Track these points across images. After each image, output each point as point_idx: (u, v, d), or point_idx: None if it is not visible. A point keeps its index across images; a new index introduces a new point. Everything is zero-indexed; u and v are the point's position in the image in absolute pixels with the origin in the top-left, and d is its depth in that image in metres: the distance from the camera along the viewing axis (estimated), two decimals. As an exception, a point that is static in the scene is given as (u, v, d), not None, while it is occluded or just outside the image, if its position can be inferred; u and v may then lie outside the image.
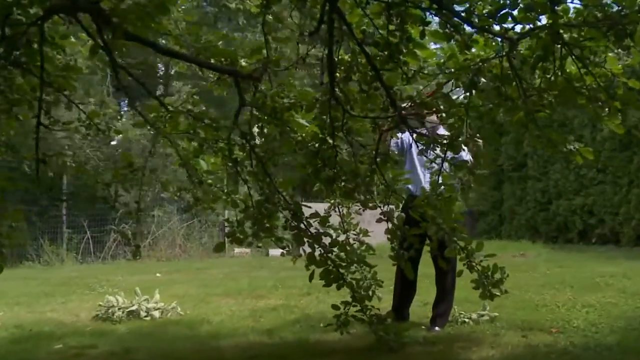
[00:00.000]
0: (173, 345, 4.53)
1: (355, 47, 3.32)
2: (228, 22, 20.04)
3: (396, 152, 4.83)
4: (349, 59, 3.47)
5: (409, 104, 3.68)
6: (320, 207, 4.28)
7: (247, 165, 3.87)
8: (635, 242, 10.42)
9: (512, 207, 12.91)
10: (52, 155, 3.57)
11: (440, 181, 3.62)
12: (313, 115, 3.68)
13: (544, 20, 3.07)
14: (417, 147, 3.72)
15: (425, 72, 3.58)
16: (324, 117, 3.63)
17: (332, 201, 4.35)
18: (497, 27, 3.17)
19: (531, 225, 12.44)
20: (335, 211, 4.32)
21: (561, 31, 3.05)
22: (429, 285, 5.10)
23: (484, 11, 3.03)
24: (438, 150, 3.55)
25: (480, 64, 3.40)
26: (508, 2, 2.94)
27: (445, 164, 3.58)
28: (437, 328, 4.69)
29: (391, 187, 3.89)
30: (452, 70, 3.55)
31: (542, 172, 12.16)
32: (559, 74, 3.29)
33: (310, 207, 3.95)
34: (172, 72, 18.65)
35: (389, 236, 3.88)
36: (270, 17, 3.47)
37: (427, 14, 3.13)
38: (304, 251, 3.86)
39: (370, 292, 4.05)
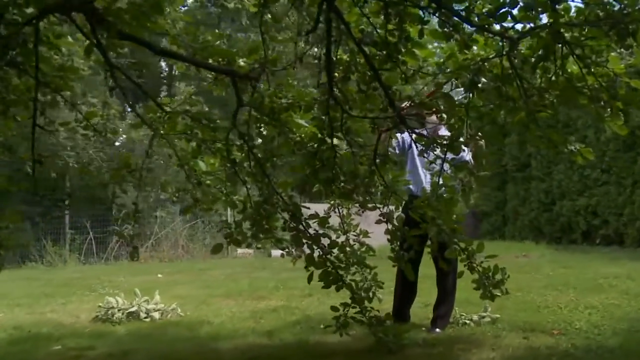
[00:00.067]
0: (172, 347, 4.51)
1: (354, 47, 3.29)
2: (231, 22, 20.05)
3: (398, 152, 4.80)
4: (348, 59, 3.44)
5: (408, 103, 3.65)
6: (322, 208, 4.25)
7: (246, 166, 3.84)
8: (639, 242, 10.36)
9: (516, 207, 12.86)
10: (48, 156, 3.55)
11: (440, 182, 3.58)
12: (312, 116, 3.65)
13: (545, 19, 3.04)
14: (417, 147, 3.69)
15: (425, 71, 3.54)
16: (323, 117, 3.60)
17: (332, 202, 4.32)
18: (497, 27, 3.14)
19: (535, 226, 12.39)
20: (335, 212, 4.30)
21: (562, 30, 3.02)
22: (430, 287, 5.06)
23: (484, 10, 3.00)
24: (438, 151, 3.52)
25: (481, 63, 3.37)
26: (507, 0, 2.91)
27: (446, 165, 3.55)
28: (437, 329, 4.66)
29: (390, 188, 3.85)
30: (452, 70, 3.52)
31: (546, 173, 12.11)
32: (560, 73, 3.26)
33: (309, 208, 3.92)
34: (176, 73, 18.68)
35: (389, 237, 3.85)
36: (268, 16, 3.44)
37: (426, 13, 3.10)
38: (304, 252, 3.84)
39: (370, 294, 4.02)
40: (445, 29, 3.09)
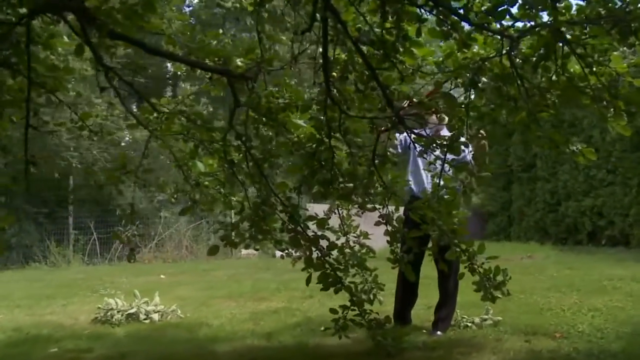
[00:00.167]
0: (170, 349, 4.48)
1: (351, 46, 3.24)
2: (236, 22, 20.04)
3: (400, 152, 4.75)
4: (345, 58, 3.40)
5: (407, 103, 3.60)
6: (324, 209, 4.21)
7: (244, 167, 3.81)
8: (645, 244, 10.28)
9: (521, 208, 12.78)
10: (48, 157, 3.53)
11: (441, 184, 3.53)
12: (309, 116, 3.61)
13: (546, 17, 2.99)
14: (416, 148, 3.64)
15: (424, 71, 3.50)
16: (321, 117, 3.56)
17: (332, 203, 4.27)
18: (497, 25, 3.09)
19: (540, 227, 12.30)
20: (336, 213, 4.25)
21: (563, 29, 2.96)
22: (432, 289, 5.01)
23: (482, 8, 2.95)
24: (438, 152, 3.46)
25: (481, 62, 3.32)
26: (506, -2, 2.86)
27: (447, 166, 3.49)
28: (439, 332, 4.61)
29: (390, 188, 3.81)
30: (451, 69, 3.47)
31: (551, 173, 12.03)
32: (561, 73, 3.21)
33: (307, 210, 3.88)
34: (180, 73, 18.67)
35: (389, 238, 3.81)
36: (265, 14, 3.41)
37: (424, 11, 3.05)
38: (305, 253, 3.80)
39: (371, 296, 3.97)
40: (444, 28, 3.05)
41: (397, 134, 4.45)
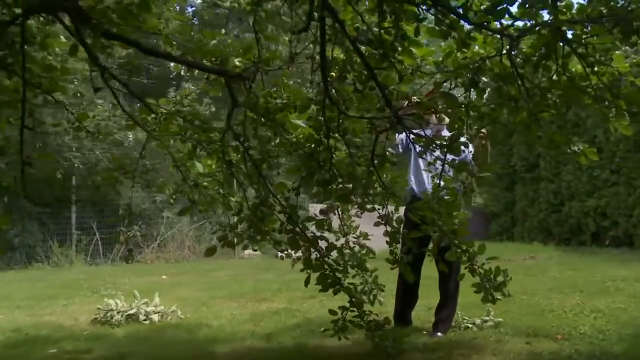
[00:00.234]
0: (169, 350, 4.46)
1: (349, 46, 3.21)
2: (239, 22, 20.03)
3: (401, 151, 4.72)
4: (344, 57, 3.37)
5: (406, 103, 3.57)
6: (321, 209, 4.18)
7: (242, 168, 3.78)
8: (649, 244, 10.23)
9: (525, 208, 12.73)
10: (42, 158, 3.51)
11: (441, 184, 3.50)
12: (307, 116, 3.58)
13: (546, 16, 2.96)
14: (415, 148, 3.61)
15: (423, 70, 3.46)
16: (319, 117, 3.53)
17: (332, 203, 4.24)
18: (497, 24, 3.05)
19: (543, 227, 12.26)
20: (335, 214, 4.22)
21: (564, 28, 2.93)
22: (433, 289, 4.97)
23: (482, 7, 2.92)
24: (438, 152, 3.43)
25: (481, 62, 3.29)
26: (505, -3, 2.82)
27: (447, 166, 3.46)
28: (439, 333, 4.58)
29: (389, 189, 3.78)
30: (451, 69, 3.44)
31: (555, 173, 11.98)
32: (562, 72, 3.17)
33: (307, 210, 3.86)
34: (183, 73, 18.65)
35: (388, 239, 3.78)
36: (263, 14, 3.38)
37: (422, 10, 3.01)
38: (305, 254, 3.77)
39: (371, 297, 3.94)
40: (443, 27, 3.01)
41: (397, 134, 4.41)
